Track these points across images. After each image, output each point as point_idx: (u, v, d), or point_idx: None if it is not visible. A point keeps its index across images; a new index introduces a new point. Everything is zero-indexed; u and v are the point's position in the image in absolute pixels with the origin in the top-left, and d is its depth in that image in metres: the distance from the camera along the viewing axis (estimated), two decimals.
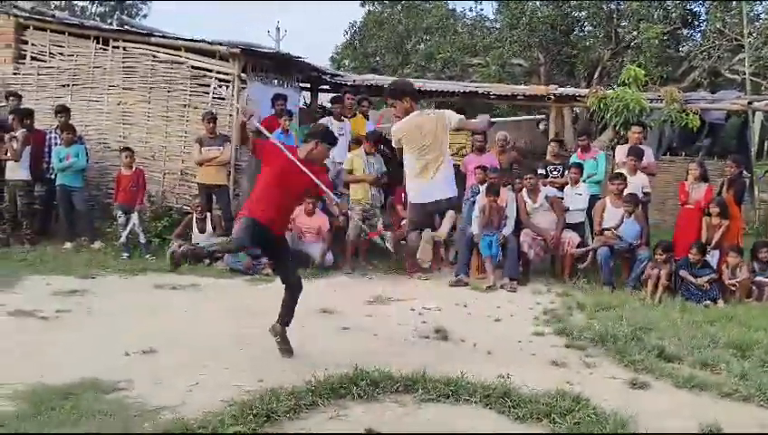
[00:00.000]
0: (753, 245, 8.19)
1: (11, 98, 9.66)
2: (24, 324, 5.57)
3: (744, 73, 13.54)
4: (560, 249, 8.43)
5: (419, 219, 5.51)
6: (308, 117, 10.75)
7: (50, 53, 10.19)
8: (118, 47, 9.86)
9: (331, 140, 5.25)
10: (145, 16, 32.07)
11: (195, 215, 8.58)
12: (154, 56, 9.65)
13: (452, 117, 5.34)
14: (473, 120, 6.10)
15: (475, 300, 7.37)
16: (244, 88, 9.29)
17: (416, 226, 5.56)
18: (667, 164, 12.33)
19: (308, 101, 12.69)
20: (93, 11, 30.57)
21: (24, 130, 9.05)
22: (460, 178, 9.69)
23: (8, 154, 8.84)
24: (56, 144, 9.24)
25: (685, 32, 17.61)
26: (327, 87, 12.40)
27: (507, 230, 8.27)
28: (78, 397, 4.06)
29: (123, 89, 9.81)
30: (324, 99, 13.29)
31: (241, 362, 4.92)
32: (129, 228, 8.67)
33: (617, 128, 10.01)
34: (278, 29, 32.51)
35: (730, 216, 8.12)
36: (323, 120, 9.72)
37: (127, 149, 9.05)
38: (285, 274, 5.30)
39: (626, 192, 8.22)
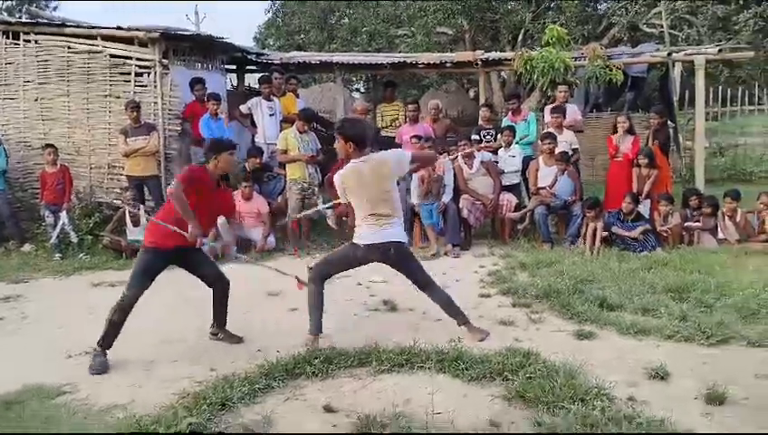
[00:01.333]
0: (683, 193, 8.49)
1: None
2: None
3: (662, 27, 13.93)
4: (498, 212, 8.56)
5: (344, 264, 5.13)
6: (236, 99, 10.51)
7: None
8: (30, 40, 9.38)
9: (224, 146, 4.95)
10: (55, 8, 30.65)
11: (127, 208, 8.31)
12: (69, 47, 9.21)
13: (401, 160, 4.83)
14: (424, 153, 6.09)
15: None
16: (166, 73, 9.00)
17: (330, 271, 5.15)
18: (594, 120, 12.63)
19: (235, 83, 12.42)
20: (0, 6, 29.03)
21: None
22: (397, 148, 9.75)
23: None
24: None
25: None
26: (253, 67, 12.14)
27: (446, 197, 8.33)
28: (22, 405, 3.94)
29: (39, 83, 9.35)
30: (251, 80, 13.04)
31: (189, 354, 4.84)
32: (59, 228, 8.35)
33: (544, 89, 10.17)
34: (196, 12, 31.70)
35: (658, 165, 8.40)
36: (252, 101, 9.55)
37: (49, 145, 8.68)
38: (212, 273, 5.21)
39: (556, 151, 8.40)
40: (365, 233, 4.83)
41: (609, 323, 5.14)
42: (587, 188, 9.25)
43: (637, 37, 16.74)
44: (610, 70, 10.01)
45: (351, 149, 4.74)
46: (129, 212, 8.26)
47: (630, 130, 8.70)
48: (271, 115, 9.44)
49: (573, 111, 9.26)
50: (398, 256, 4.90)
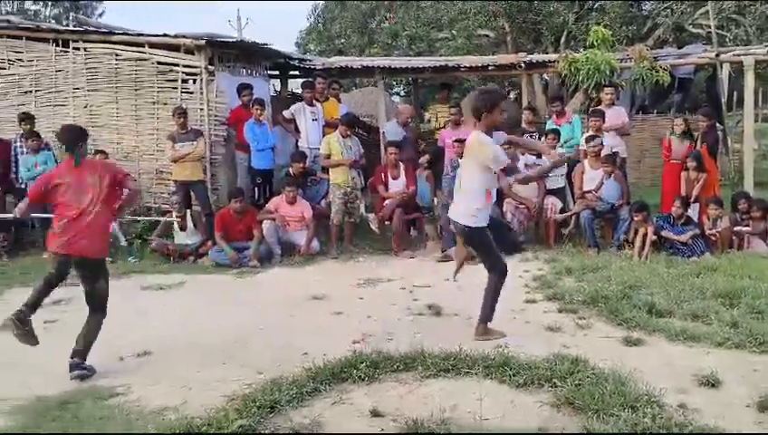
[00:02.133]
0: (731, 196, 8.30)
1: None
2: (13, 339, 5.47)
3: (708, 27, 13.63)
4: (543, 216, 8.47)
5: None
6: (279, 104, 10.64)
7: (8, 60, 9.94)
8: (78, 48, 9.65)
9: (74, 136, 4.84)
10: (101, 15, 31.46)
11: (174, 213, 8.48)
12: (117, 55, 9.46)
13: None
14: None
15: (464, 274, 7.37)
16: (212, 80, 9.16)
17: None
18: (640, 123, 12.43)
19: (278, 89, 12.56)
20: (47, 14, 29.90)
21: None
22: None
23: None
24: (22, 153, 9.04)
25: None
26: (296, 73, 12.27)
27: None
28: (77, 405, 4.04)
29: (88, 91, 9.62)
30: (293, 85, 13.18)
31: (238, 357, 4.89)
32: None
33: (589, 90, 10.05)
34: (239, 18, 32.15)
35: (706, 169, 8.23)
36: (295, 106, 9.65)
37: (100, 152, 8.91)
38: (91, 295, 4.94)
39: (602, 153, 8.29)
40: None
41: (657, 329, 5.05)
42: (634, 191, 9.12)
43: (682, 38, 16.42)
44: (657, 71, 9.84)
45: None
46: (177, 216, 8.43)
47: (688, 133, 8.58)
48: (314, 120, 9.53)
49: (620, 114, 9.11)
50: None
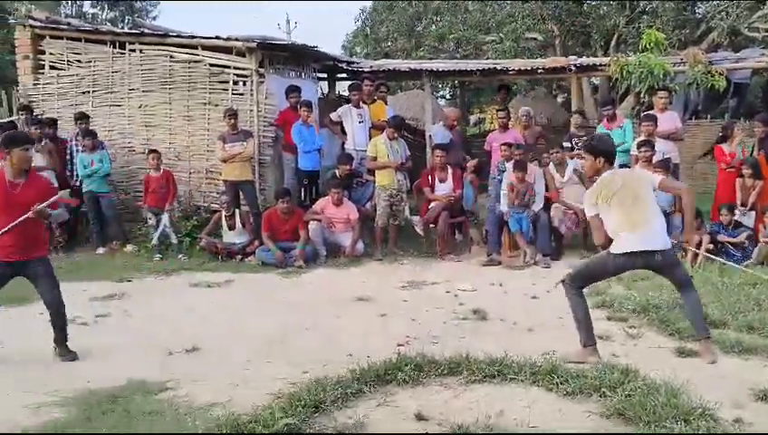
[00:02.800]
0: None
1: (21, 112, 9.73)
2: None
3: (766, 31, 13.23)
4: None
5: (600, 273, 4.95)
6: (327, 106, 10.72)
7: (68, 61, 10.24)
8: (134, 50, 9.89)
9: (17, 141, 4.81)
10: (155, 18, 32.16)
11: (223, 212, 8.61)
12: (171, 57, 9.66)
13: (653, 179, 4.90)
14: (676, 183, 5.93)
15: (509, 279, 7.32)
16: (262, 82, 9.28)
17: (585, 281, 4.92)
18: (694, 128, 12.13)
19: (325, 91, 12.66)
20: (104, 17, 30.72)
21: (47, 140, 9.13)
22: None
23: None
24: (78, 151, 9.30)
25: None
26: (344, 75, 12.35)
27: (537, 206, 8.19)
28: (127, 399, 4.11)
29: (143, 91, 9.84)
30: (341, 87, 13.26)
31: (284, 356, 4.94)
32: (160, 230, 8.72)
33: (641, 94, 9.85)
34: (288, 21, 32.49)
35: (764, 176, 7.98)
36: (342, 108, 9.71)
37: (153, 151, 9.09)
38: (46, 292, 5.04)
39: (654, 159, 8.10)
40: (624, 242, 4.64)
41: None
42: None
43: (738, 42, 15.96)
44: (712, 75, 9.60)
45: (601, 165, 4.77)
46: (225, 216, 8.55)
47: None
48: (360, 122, 9.56)
49: (673, 119, 8.90)
50: (663, 262, 4.69)
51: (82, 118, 9.41)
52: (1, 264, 4.86)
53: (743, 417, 3.63)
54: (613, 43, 16.77)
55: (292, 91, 9.45)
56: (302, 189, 9.37)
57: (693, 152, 11.53)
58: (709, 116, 13.11)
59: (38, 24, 10.29)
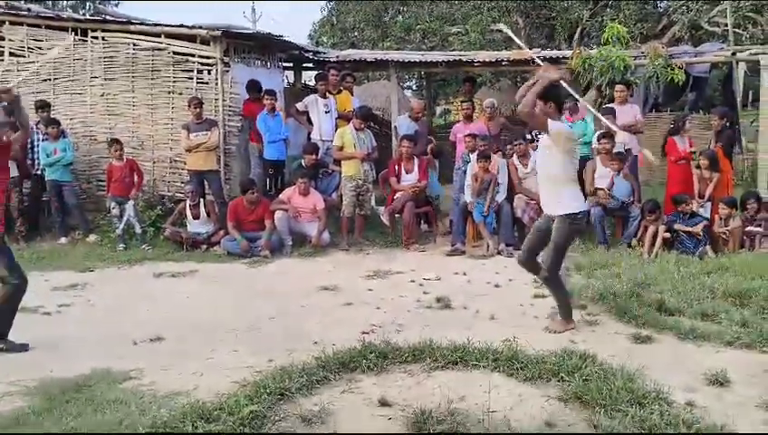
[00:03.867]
0: (741, 196, 8.28)
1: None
2: (27, 322, 5.56)
3: (725, 25, 13.55)
4: None
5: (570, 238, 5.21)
6: (293, 96, 10.69)
7: (28, 48, 10.02)
8: (97, 38, 9.72)
9: None
10: (116, 5, 31.55)
11: (188, 202, 8.56)
12: (134, 44, 9.51)
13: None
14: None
15: (472, 268, 7.42)
16: (227, 71, 9.22)
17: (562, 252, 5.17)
18: (653, 120, 12.38)
19: (291, 81, 12.61)
20: (65, 4, 30.04)
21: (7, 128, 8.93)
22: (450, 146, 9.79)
23: None
24: (39, 139, 9.13)
25: None
26: (310, 65, 12.31)
27: (500, 197, 8.30)
28: (91, 388, 4.11)
29: (105, 79, 9.68)
30: (307, 77, 13.22)
31: (248, 344, 4.97)
32: (125, 219, 8.62)
33: (602, 88, 10.03)
34: (253, 10, 32.26)
35: (720, 168, 8.21)
36: (308, 99, 9.70)
37: (115, 141, 8.95)
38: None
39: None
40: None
41: (667, 327, 5.07)
42: (645, 189, 9.10)
43: (698, 36, 16.33)
44: (672, 69, 9.82)
45: (552, 110, 4.91)
46: (190, 205, 8.50)
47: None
48: (326, 112, 9.56)
49: (634, 111, 9.09)
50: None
51: (44, 106, 9.23)
52: None
53: (695, 400, 3.78)
54: (577, 36, 17.03)
55: (252, 86, 9.41)
56: (268, 179, 9.35)
57: (654, 144, 11.76)
58: (669, 109, 13.40)
59: None
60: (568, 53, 11.00)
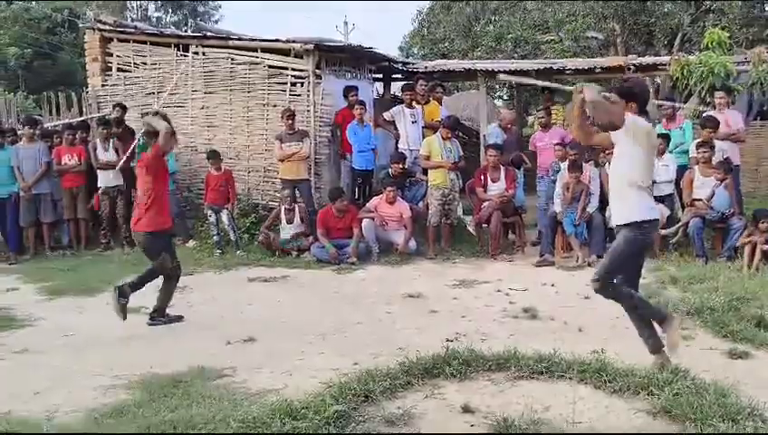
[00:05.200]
0: None
1: (117, 108, 10.13)
2: (131, 320, 5.92)
3: None
4: None
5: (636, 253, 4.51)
6: (382, 106, 10.86)
7: (134, 64, 10.68)
8: (197, 53, 10.23)
9: None
10: (217, 21, 33.03)
11: (284, 206, 8.82)
12: (232, 59, 9.96)
13: None
14: None
15: (561, 279, 7.30)
16: (318, 83, 9.49)
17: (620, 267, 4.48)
18: (758, 129, 11.76)
19: (381, 91, 12.80)
20: (168, 20, 31.73)
21: (114, 138, 9.54)
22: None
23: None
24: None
25: None
26: (399, 76, 12.46)
27: (592, 207, 8.12)
28: (187, 384, 4.33)
29: (205, 93, 10.18)
30: (396, 88, 13.38)
31: (336, 347, 5.10)
32: (220, 226, 9.01)
33: (702, 95, 9.63)
34: (345, 23, 32.95)
35: None
36: (395, 109, 9.82)
37: (213, 155, 9.30)
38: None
39: (713, 160, 7.94)
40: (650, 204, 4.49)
41: (766, 343, 4.83)
42: (748, 201, 8.67)
43: None
44: None
45: (634, 111, 4.34)
46: (285, 209, 8.76)
47: None
48: (413, 122, 9.67)
49: (737, 120, 8.64)
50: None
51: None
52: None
53: None
54: (677, 42, 16.40)
55: (351, 90, 9.64)
56: (357, 188, 9.53)
57: (759, 153, 11.20)
58: None
59: (106, 27, 10.79)
60: (666, 59, 10.63)
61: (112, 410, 3.98)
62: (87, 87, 11.22)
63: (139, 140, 7.81)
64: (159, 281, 5.99)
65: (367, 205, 8.83)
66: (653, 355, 4.42)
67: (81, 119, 10.67)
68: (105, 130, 9.49)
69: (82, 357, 5.06)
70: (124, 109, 10.12)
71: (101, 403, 4.12)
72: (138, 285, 5.86)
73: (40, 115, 11.51)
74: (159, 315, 5.90)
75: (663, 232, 7.99)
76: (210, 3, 33.77)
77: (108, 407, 4.03)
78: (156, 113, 6.05)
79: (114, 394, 4.27)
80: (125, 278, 6.25)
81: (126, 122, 9.97)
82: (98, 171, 9.41)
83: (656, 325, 4.48)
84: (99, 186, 9.43)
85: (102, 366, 4.78)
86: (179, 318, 5.96)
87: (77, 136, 9.57)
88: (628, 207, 4.36)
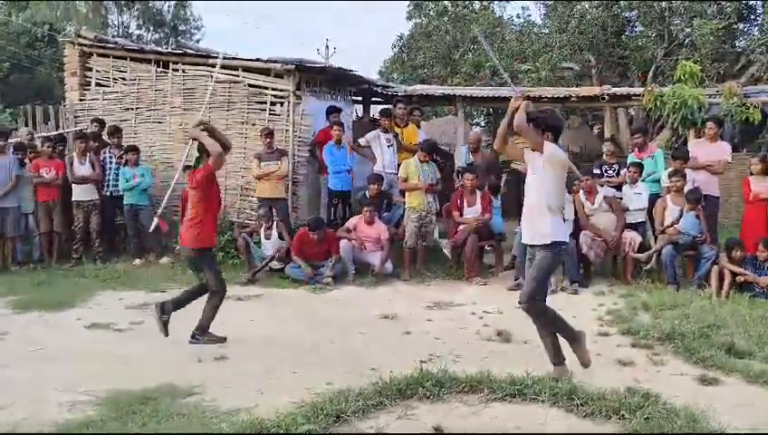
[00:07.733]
0: None
1: (94, 123, 10.09)
2: (100, 337, 5.83)
3: None
4: (621, 250, 8.30)
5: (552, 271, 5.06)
6: (361, 129, 10.91)
7: (113, 79, 10.63)
8: (177, 70, 10.22)
9: None
10: (198, 41, 33.02)
11: (263, 225, 8.76)
12: (212, 77, 9.93)
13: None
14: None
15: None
16: (298, 103, 9.51)
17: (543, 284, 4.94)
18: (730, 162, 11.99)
19: (360, 114, 12.87)
20: (149, 38, 31.67)
21: (90, 153, 9.46)
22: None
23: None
24: (111, 163, 9.60)
25: (741, 26, 17.16)
26: (378, 99, 12.55)
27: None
28: (156, 401, 4.27)
29: (184, 110, 10.14)
30: (376, 111, 13.47)
31: (308, 367, 5.05)
32: None
33: (674, 126, 9.84)
34: (327, 46, 33.17)
35: None
36: (371, 134, 9.87)
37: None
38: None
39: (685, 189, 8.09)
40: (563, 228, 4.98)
41: (735, 370, 4.90)
42: (721, 231, 8.81)
43: None
44: (747, 108, 9.55)
45: (549, 138, 4.79)
46: (265, 227, 8.70)
47: (767, 172, 8.21)
48: (389, 146, 9.73)
49: (722, 151, 8.76)
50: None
51: (115, 132, 9.80)
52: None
53: None
54: (651, 74, 16.76)
55: (334, 110, 9.72)
56: (332, 208, 9.53)
57: (727, 185, 11.42)
58: (745, 149, 13.00)
59: (86, 42, 10.73)
60: (639, 90, 10.85)
61: (78, 425, 3.90)
62: (65, 101, 11.12)
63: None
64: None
65: (346, 224, 8.82)
66: (554, 366, 4.77)
67: (58, 133, 10.56)
68: (83, 145, 9.39)
69: (49, 372, 4.94)
70: (102, 124, 10.08)
71: (67, 419, 4.03)
72: (182, 302, 5.77)
73: (15, 129, 11.36)
74: (201, 334, 5.70)
75: (635, 256, 8.11)
76: (192, 22, 33.79)
77: (73, 423, 3.96)
78: (199, 124, 6.08)
79: (81, 410, 4.18)
80: (169, 295, 6.31)
81: (102, 137, 9.91)
82: (73, 185, 9.29)
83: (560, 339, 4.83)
84: (73, 199, 9.31)
85: (70, 382, 4.68)
86: (222, 339, 5.72)
87: (55, 148, 9.45)
88: (545, 229, 4.75)
